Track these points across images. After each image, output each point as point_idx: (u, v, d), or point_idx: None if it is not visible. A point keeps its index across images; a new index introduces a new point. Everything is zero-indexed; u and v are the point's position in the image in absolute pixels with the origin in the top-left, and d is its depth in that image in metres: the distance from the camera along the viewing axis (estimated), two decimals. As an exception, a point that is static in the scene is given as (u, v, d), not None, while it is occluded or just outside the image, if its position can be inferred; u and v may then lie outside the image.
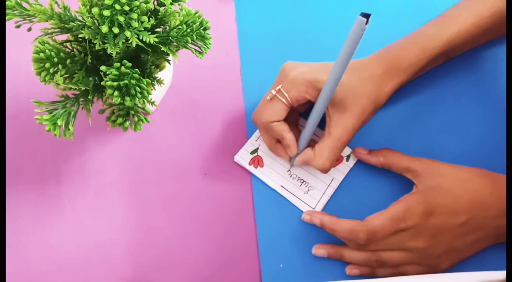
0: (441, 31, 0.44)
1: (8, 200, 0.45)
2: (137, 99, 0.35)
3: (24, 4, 0.36)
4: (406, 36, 0.45)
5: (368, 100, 0.41)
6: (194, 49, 0.38)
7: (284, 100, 0.42)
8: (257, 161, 0.46)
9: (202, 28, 0.37)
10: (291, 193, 0.46)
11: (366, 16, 0.30)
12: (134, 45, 0.34)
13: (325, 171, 0.42)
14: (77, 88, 0.36)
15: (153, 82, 0.40)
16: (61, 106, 0.37)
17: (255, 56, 0.51)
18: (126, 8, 0.32)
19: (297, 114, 0.46)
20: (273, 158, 0.47)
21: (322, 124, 0.44)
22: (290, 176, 0.46)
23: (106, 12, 0.32)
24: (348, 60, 0.34)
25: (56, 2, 0.36)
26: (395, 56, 0.43)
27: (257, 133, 0.47)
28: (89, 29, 0.34)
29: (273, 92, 0.42)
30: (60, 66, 0.34)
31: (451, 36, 0.43)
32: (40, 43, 0.34)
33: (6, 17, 0.35)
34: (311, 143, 0.44)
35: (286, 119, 0.43)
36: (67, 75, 0.36)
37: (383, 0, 0.53)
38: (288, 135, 0.43)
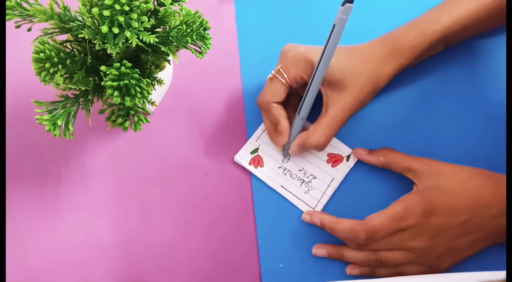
0: (440, 16, 0.44)
1: (8, 200, 0.45)
2: (137, 99, 0.35)
3: (24, 4, 0.36)
4: (407, 22, 0.46)
5: (367, 80, 0.41)
6: (194, 49, 0.38)
7: (283, 80, 0.42)
8: (257, 161, 0.46)
9: (202, 28, 0.37)
10: (291, 193, 0.46)
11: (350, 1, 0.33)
12: (134, 45, 0.34)
13: (320, 147, 0.42)
14: (77, 88, 0.36)
15: (153, 82, 0.40)
16: (61, 106, 0.37)
17: (255, 56, 0.51)
18: (126, 8, 0.32)
19: (297, 98, 0.46)
20: (274, 158, 0.47)
21: (312, 118, 0.44)
22: (290, 176, 0.46)
23: (106, 12, 0.32)
24: (339, 37, 0.36)
25: (56, 2, 0.36)
26: (394, 39, 0.43)
27: (257, 133, 0.47)
28: (89, 29, 0.34)
29: (273, 72, 0.43)
30: (60, 66, 0.34)
31: (450, 21, 0.44)
32: (40, 43, 0.34)
33: (6, 17, 0.35)
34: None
35: (287, 103, 0.43)
36: (67, 75, 0.36)
37: None
38: (283, 122, 0.43)
